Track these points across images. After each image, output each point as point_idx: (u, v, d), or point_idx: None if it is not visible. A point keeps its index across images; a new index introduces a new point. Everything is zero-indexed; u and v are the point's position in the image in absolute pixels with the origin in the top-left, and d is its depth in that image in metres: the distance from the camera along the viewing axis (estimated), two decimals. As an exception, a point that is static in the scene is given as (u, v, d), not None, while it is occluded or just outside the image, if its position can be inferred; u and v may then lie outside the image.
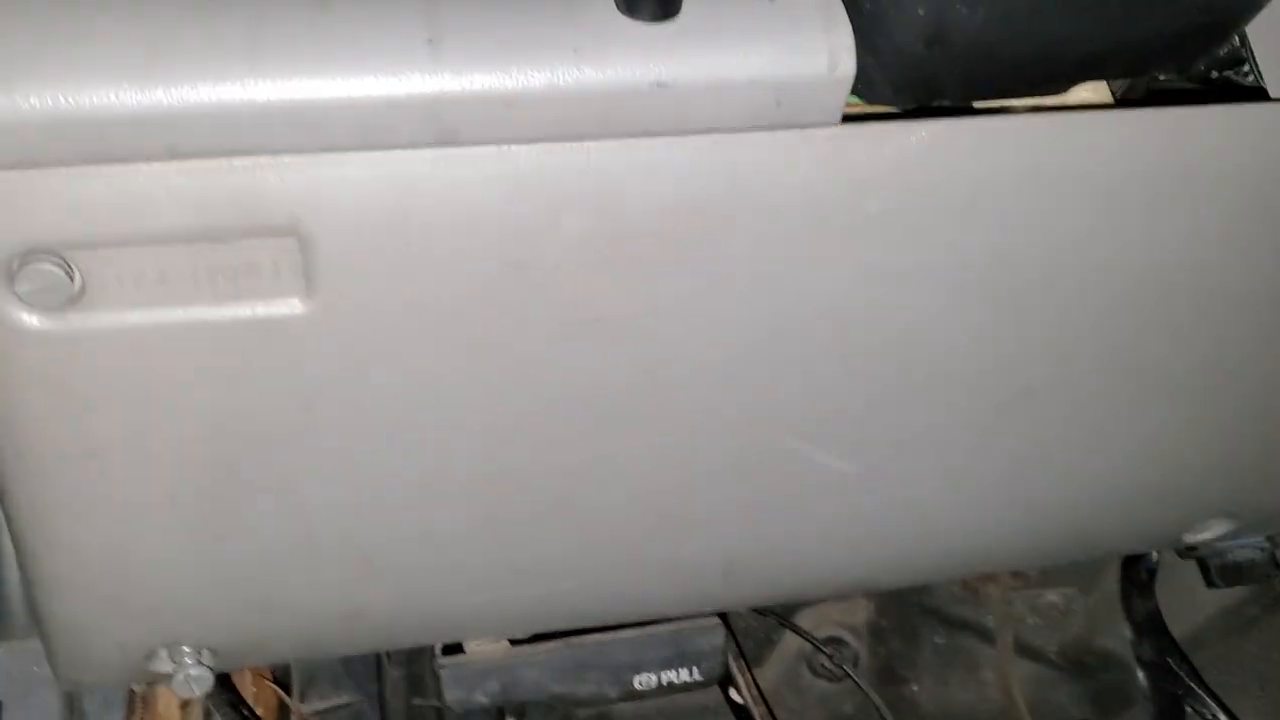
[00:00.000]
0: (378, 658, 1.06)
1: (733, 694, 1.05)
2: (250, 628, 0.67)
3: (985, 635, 1.22)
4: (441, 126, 0.52)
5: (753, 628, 1.25)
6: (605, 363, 0.61)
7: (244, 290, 0.54)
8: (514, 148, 0.53)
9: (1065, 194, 0.61)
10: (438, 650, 0.85)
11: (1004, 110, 0.60)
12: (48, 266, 0.50)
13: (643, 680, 0.90)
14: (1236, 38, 0.65)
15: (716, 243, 0.58)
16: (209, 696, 0.84)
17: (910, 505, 0.76)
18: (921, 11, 0.52)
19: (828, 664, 1.24)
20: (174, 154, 0.49)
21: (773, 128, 0.55)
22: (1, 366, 0.52)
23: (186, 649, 0.66)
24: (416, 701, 1.18)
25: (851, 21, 0.54)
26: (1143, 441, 0.75)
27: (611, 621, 0.81)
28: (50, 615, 0.62)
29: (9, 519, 0.58)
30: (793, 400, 0.66)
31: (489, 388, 0.60)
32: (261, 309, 0.54)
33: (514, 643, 0.82)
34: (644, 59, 0.52)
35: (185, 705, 0.83)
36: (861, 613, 1.28)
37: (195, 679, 0.66)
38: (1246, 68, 0.66)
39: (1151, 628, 1.06)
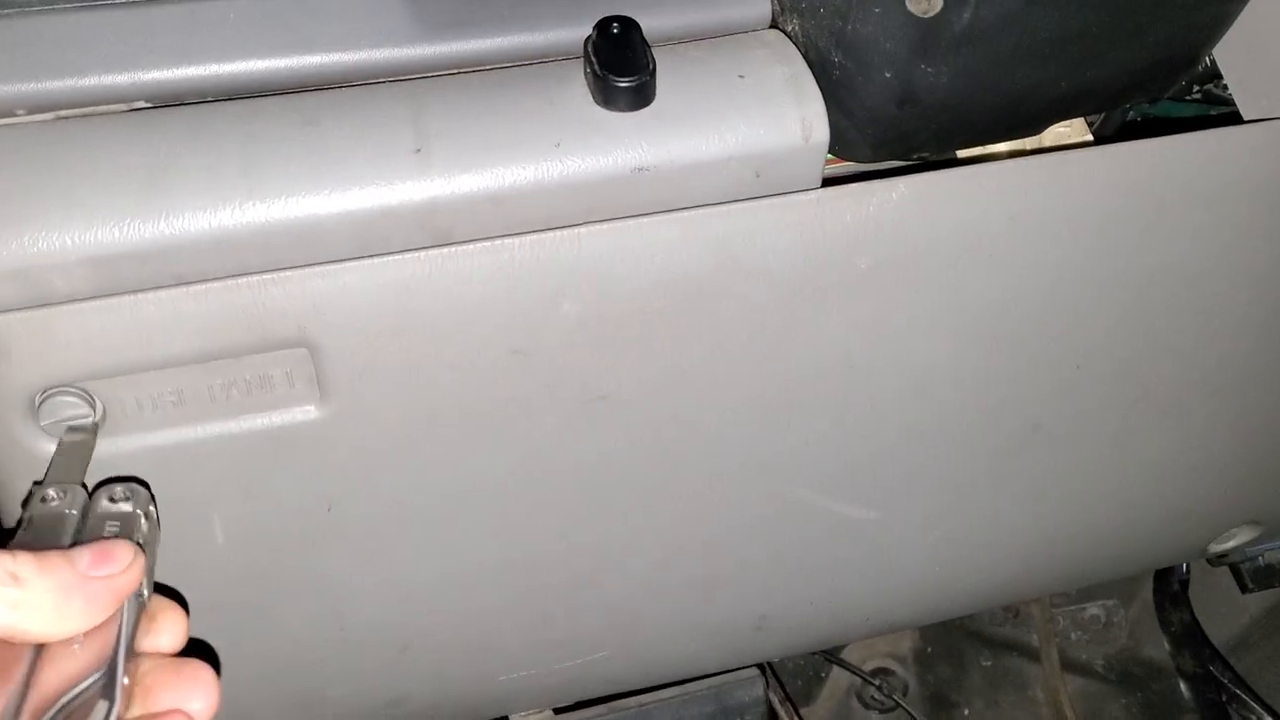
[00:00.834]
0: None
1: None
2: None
3: (1031, 654, 1.22)
4: (435, 229, 0.53)
5: (800, 666, 1.25)
6: (616, 438, 0.62)
7: (259, 402, 0.55)
8: (507, 241, 0.54)
9: (1052, 232, 0.62)
10: (485, 722, 0.86)
11: (983, 158, 0.61)
12: (69, 398, 0.52)
13: (691, 735, 0.91)
14: (1207, 59, 0.66)
15: (713, 312, 0.59)
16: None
17: (935, 544, 0.77)
18: (888, 74, 0.54)
19: (878, 695, 1.25)
20: (181, 280, 0.51)
21: (755, 197, 0.56)
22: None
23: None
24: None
25: (822, 86, 0.56)
26: (1158, 460, 0.75)
27: (650, 684, 0.82)
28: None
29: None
30: (805, 456, 0.67)
31: (505, 472, 0.61)
32: (278, 418, 0.56)
33: (558, 711, 0.83)
34: (623, 147, 0.53)
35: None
36: (907, 642, 1.28)
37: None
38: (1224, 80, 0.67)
39: (1190, 638, 1.05)
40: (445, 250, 0.54)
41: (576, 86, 0.55)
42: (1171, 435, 0.74)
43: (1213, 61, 0.66)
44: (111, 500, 0.49)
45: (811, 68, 0.56)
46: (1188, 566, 1.04)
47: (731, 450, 0.65)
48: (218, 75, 0.54)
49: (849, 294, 0.61)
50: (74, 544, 0.46)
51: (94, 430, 0.53)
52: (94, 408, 0.52)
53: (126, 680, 0.44)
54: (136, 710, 0.45)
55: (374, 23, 0.56)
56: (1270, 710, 0.94)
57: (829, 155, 0.58)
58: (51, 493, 0.48)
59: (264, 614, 0.62)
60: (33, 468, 0.53)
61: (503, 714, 0.80)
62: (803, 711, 1.19)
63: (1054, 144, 0.65)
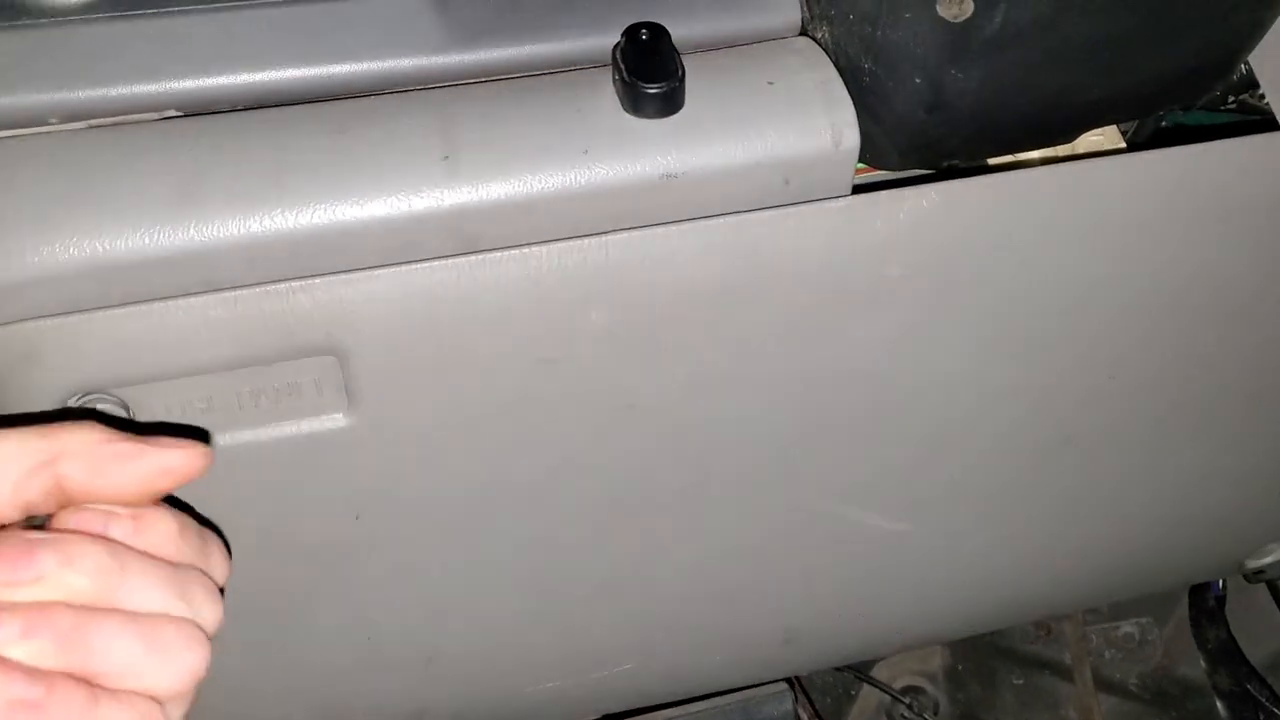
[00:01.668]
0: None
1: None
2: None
3: (1063, 672, 1.21)
4: (463, 237, 0.53)
5: (830, 684, 1.24)
6: (644, 448, 0.62)
7: (288, 410, 0.55)
8: (535, 249, 0.54)
9: (1085, 240, 0.61)
10: (513, 738, 0.86)
11: (1015, 165, 0.61)
12: (101, 405, 0.52)
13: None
14: (1243, 67, 0.65)
15: (741, 321, 0.59)
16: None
17: (965, 558, 0.76)
18: (919, 80, 0.53)
19: (908, 714, 1.23)
20: (211, 287, 0.51)
21: (785, 205, 0.56)
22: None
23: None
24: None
25: (852, 93, 0.55)
26: (1192, 473, 0.74)
27: (676, 698, 0.82)
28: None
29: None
30: (834, 467, 0.67)
31: (532, 482, 0.61)
32: (306, 426, 0.56)
33: (586, 726, 0.83)
34: (652, 154, 0.53)
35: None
36: (937, 660, 1.27)
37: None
38: (1261, 89, 0.67)
39: (1226, 656, 1.04)
40: (473, 258, 0.54)
41: (605, 94, 0.54)
42: (1206, 447, 0.73)
43: (1248, 69, 0.66)
44: None
45: (841, 74, 0.56)
46: (1224, 583, 1.02)
47: (759, 460, 0.65)
48: (248, 84, 0.54)
49: (879, 302, 0.60)
50: None
51: None
52: (126, 414, 0.53)
53: None
54: None
55: (403, 32, 0.56)
56: (1310, 729, 0.92)
57: (858, 164, 0.57)
58: None
59: (290, 624, 0.62)
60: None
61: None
62: (832, 729, 1.18)
63: (1087, 152, 0.64)
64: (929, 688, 1.26)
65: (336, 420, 0.56)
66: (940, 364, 0.63)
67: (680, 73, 0.53)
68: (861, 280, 0.59)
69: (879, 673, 1.23)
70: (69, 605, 0.39)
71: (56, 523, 0.41)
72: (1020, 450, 0.70)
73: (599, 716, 0.82)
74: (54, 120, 0.53)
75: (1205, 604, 1.03)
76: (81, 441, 0.41)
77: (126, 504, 0.42)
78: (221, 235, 0.51)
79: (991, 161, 0.64)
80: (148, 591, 0.41)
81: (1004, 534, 0.75)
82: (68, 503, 0.41)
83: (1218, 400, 0.71)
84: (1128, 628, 1.20)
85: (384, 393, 0.56)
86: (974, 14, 0.50)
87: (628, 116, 0.53)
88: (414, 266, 0.53)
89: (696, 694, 0.84)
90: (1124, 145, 0.65)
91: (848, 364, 0.62)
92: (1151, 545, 0.79)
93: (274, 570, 0.60)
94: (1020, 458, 0.71)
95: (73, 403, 0.51)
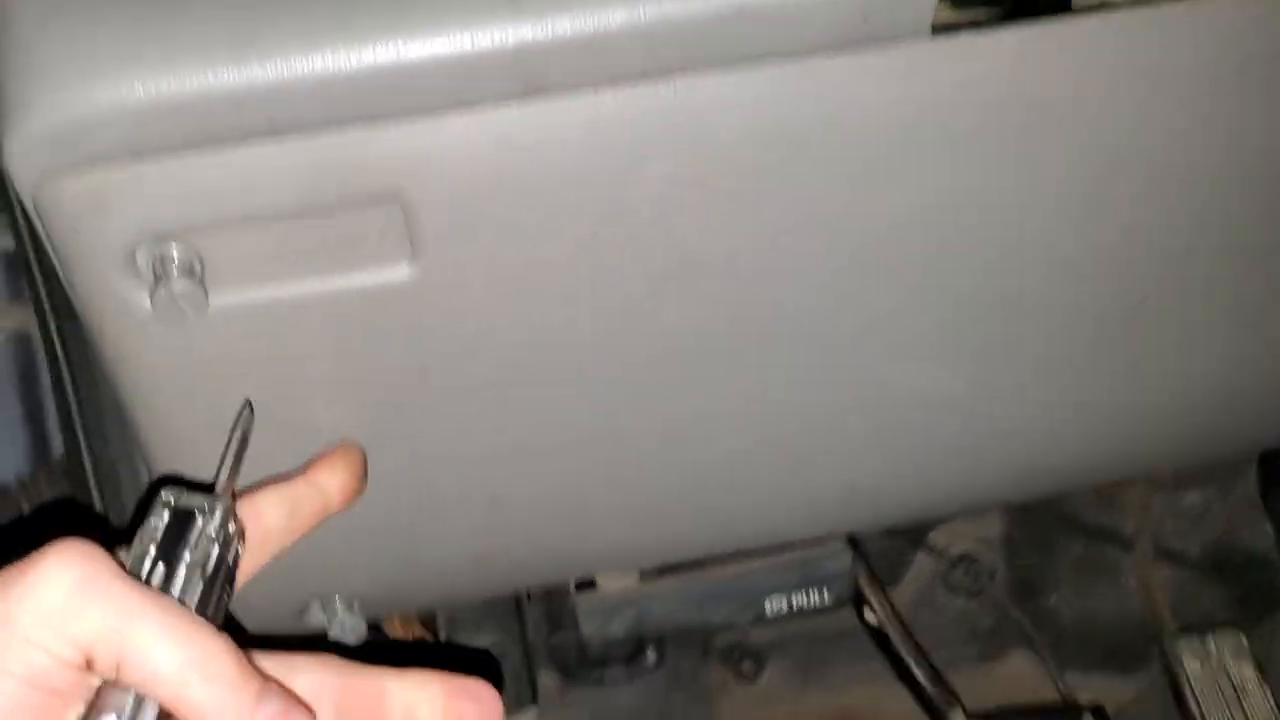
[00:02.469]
0: (517, 599, 1.09)
1: (867, 616, 1.05)
2: (393, 578, 0.70)
3: (1123, 542, 1.20)
4: (528, 76, 0.52)
5: (885, 549, 1.25)
6: (709, 302, 0.61)
7: (353, 260, 0.55)
8: (600, 94, 0.53)
9: (1176, 88, 0.58)
10: (572, 587, 0.87)
11: (1102, 6, 0.58)
12: (168, 252, 0.52)
13: (772, 605, 0.91)
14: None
15: (810, 170, 0.57)
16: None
17: (1032, 419, 0.75)
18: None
19: (964, 580, 1.24)
20: (274, 129, 0.51)
21: (860, 46, 0.54)
22: (136, 349, 0.55)
23: (338, 601, 0.69)
24: (555, 639, 1.21)
25: (935, -75, 0.53)
26: (1272, 334, 0.72)
27: (735, 549, 0.83)
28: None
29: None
30: (900, 323, 0.66)
31: (594, 335, 0.61)
32: (371, 277, 0.56)
33: (644, 576, 0.84)
34: (725, -14, 0.51)
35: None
36: (995, 527, 1.26)
37: (350, 628, 0.69)
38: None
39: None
40: (539, 103, 0.53)
41: (675, -75, 0.52)
42: (1271, 301, 0.70)
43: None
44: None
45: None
46: None
47: (823, 316, 0.64)
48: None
49: (952, 153, 0.58)
50: None
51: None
52: (191, 263, 0.52)
53: None
54: None
55: None
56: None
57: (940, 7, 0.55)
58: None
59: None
60: (132, 322, 0.53)
61: (588, 574, 0.81)
62: (888, 592, 1.19)
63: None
64: (985, 555, 1.26)
65: (401, 271, 0.56)
66: (1016, 217, 0.62)
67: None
68: (936, 129, 0.57)
69: (935, 539, 1.23)
70: None
71: None
72: (1093, 310, 0.68)
73: (658, 566, 0.84)
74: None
75: (1276, 470, 1.01)
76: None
77: None
78: (285, 74, 0.50)
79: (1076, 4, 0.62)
80: None
81: (1071, 395, 0.74)
82: None
83: None
84: (1192, 498, 1.18)
85: (447, 244, 0.56)
86: None
87: (698, -52, 0.51)
88: (480, 112, 0.52)
89: (753, 545, 0.84)
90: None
91: (919, 217, 0.61)
92: (1223, 408, 0.77)
93: (341, 418, 0.60)
94: (1092, 318, 0.69)
95: (141, 252, 0.51)
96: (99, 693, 0.42)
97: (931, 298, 0.65)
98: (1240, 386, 0.77)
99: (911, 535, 1.22)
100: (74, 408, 0.85)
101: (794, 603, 0.92)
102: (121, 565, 0.43)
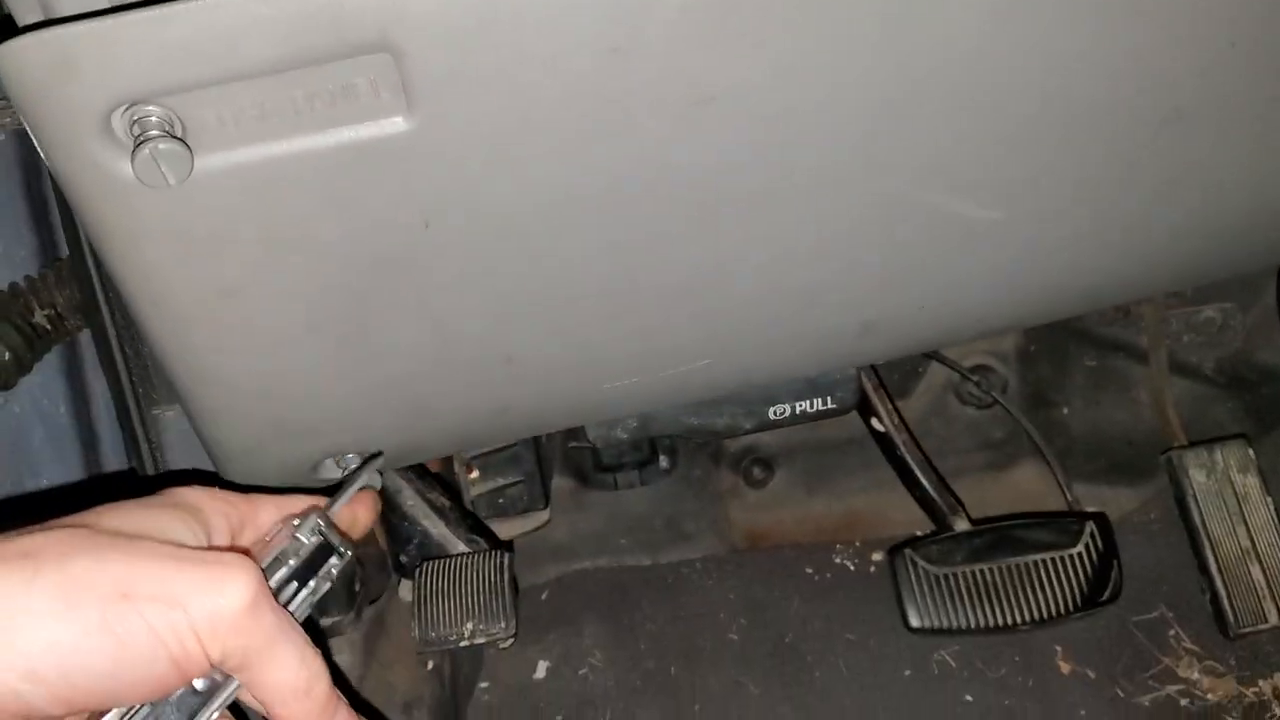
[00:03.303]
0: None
1: (874, 423, 1.06)
2: (406, 432, 0.70)
3: (1138, 355, 1.19)
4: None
5: (897, 360, 1.25)
6: (723, 141, 0.58)
7: (345, 114, 0.52)
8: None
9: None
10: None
11: None
12: (147, 115, 0.49)
13: (777, 411, 0.92)
14: None
15: None
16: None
17: (1055, 241, 0.72)
18: None
19: (976, 392, 1.24)
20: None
21: None
22: (122, 220, 0.52)
23: (351, 456, 0.68)
24: (570, 445, 1.23)
25: None
26: None
27: (751, 386, 0.82)
28: (215, 442, 0.66)
29: (159, 361, 0.60)
30: (925, 149, 0.62)
31: (606, 180, 0.58)
32: (366, 131, 0.53)
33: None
34: None
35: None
36: (1009, 339, 1.26)
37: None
38: None
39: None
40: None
41: None
42: None
43: None
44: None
45: None
46: None
47: (845, 147, 0.60)
48: None
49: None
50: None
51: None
52: (172, 125, 0.50)
53: None
54: None
55: None
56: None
57: None
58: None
59: (365, 329, 0.62)
60: (114, 190, 0.51)
61: (605, 418, 0.81)
62: (899, 404, 1.19)
63: None
64: (999, 367, 1.25)
65: (396, 123, 0.53)
66: (1041, 31, 0.57)
67: None
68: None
69: (948, 350, 1.23)
70: None
71: None
72: (1123, 124, 0.65)
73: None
74: None
75: None
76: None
77: None
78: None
79: None
80: None
81: (1097, 216, 0.71)
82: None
83: None
84: (1209, 312, 1.17)
85: (444, 91, 0.52)
86: None
87: None
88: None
89: (768, 383, 0.84)
90: None
91: (940, 35, 0.57)
92: (1248, 222, 0.74)
93: (344, 276, 0.59)
94: (1121, 133, 0.65)
95: (118, 117, 0.49)
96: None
97: (957, 120, 0.61)
98: (1268, 200, 0.74)
99: (924, 346, 1.21)
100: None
101: (799, 409, 0.92)
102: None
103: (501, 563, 0.86)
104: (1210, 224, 0.75)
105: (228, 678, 0.51)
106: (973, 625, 0.95)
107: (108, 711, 0.49)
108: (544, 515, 1.12)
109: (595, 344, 0.67)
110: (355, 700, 0.82)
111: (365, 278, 0.59)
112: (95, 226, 0.53)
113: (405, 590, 0.99)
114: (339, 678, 0.54)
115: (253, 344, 0.60)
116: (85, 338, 0.91)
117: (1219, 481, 1.06)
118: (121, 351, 0.79)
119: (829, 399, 0.93)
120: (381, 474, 0.67)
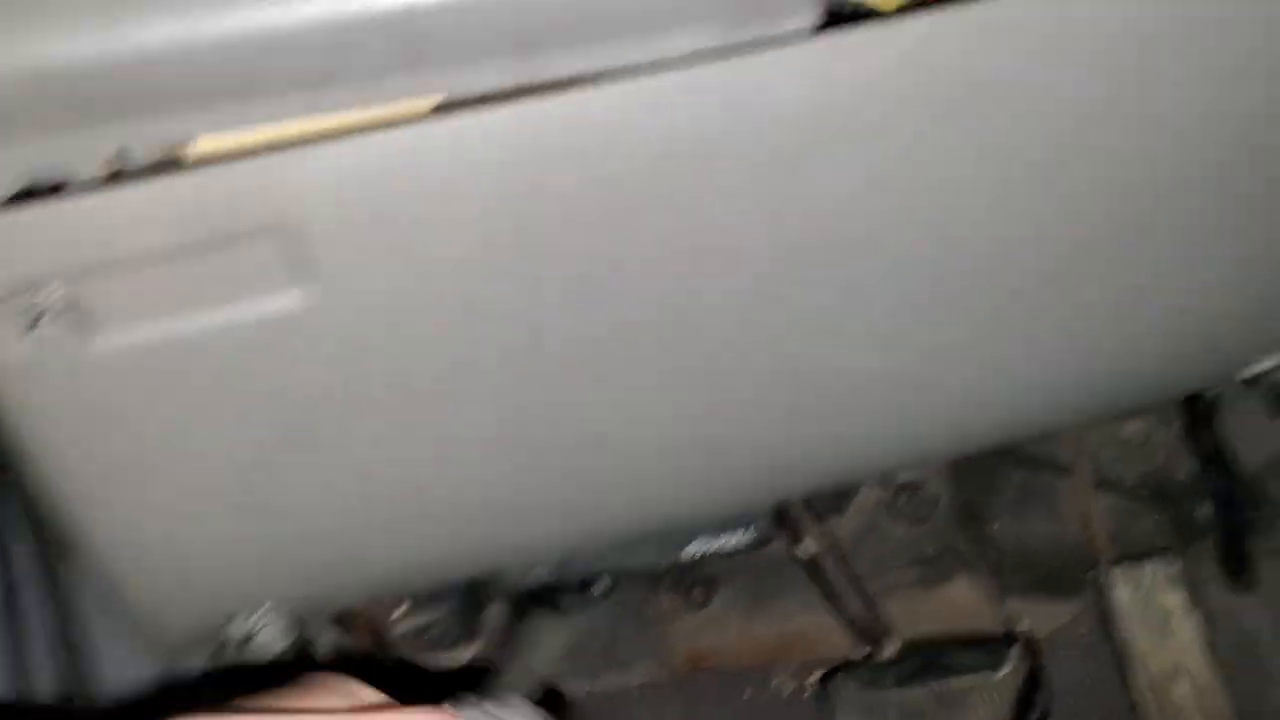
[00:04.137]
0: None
1: (798, 551, 1.07)
2: (314, 582, 0.70)
3: (1063, 471, 1.21)
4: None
5: (830, 479, 1.26)
6: (618, 311, 0.60)
7: (244, 291, 0.54)
8: (492, 112, 0.51)
9: (1068, 67, 0.57)
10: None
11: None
12: (45, 296, 0.50)
13: (692, 549, 0.92)
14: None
15: (708, 174, 0.56)
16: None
17: (960, 387, 0.75)
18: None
19: (908, 508, 1.25)
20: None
21: (748, 48, 0.52)
22: (26, 397, 0.54)
23: (264, 610, 0.69)
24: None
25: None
26: (1185, 285, 0.72)
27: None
28: (128, 601, 0.66)
29: (71, 529, 0.61)
30: (818, 311, 0.65)
31: (503, 350, 0.60)
32: (265, 306, 0.54)
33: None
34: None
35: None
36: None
37: (277, 635, 0.69)
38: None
39: (1217, 460, 1.04)
40: (426, 125, 0.51)
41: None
42: (1198, 258, 0.70)
43: None
44: None
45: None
46: (1216, 390, 0.99)
47: (742, 315, 0.63)
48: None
49: (853, 146, 0.57)
50: None
51: None
52: (72, 308, 0.51)
53: None
54: None
55: None
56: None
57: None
58: None
59: (269, 488, 0.63)
60: (12, 370, 0.52)
61: (525, 559, 0.81)
62: (831, 522, 1.20)
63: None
64: (930, 483, 1.27)
65: (294, 298, 0.55)
66: (927, 198, 0.60)
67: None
68: (835, 122, 0.56)
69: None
70: None
71: None
72: (1010, 279, 0.68)
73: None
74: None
75: (1198, 408, 1.01)
76: None
77: None
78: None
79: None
80: None
81: (999, 362, 0.74)
82: None
83: (1207, 210, 0.67)
84: (1130, 428, 1.19)
85: (341, 271, 0.54)
86: None
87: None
88: (368, 135, 0.51)
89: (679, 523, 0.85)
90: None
91: (823, 210, 0.59)
92: (1147, 357, 0.77)
93: (249, 441, 0.60)
94: (1008, 286, 0.68)
95: (13, 300, 0.50)
96: None
97: (847, 285, 0.64)
98: (1164, 336, 0.76)
99: (856, 465, 1.23)
100: None
101: (715, 546, 0.93)
102: None
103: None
104: (1111, 360, 0.77)
105: None
106: (906, 747, 0.96)
107: None
108: (476, 647, 1.12)
109: (500, 496, 0.68)
110: None
111: (268, 439, 0.60)
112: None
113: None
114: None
115: (162, 504, 0.61)
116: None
117: (1145, 597, 1.08)
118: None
119: (745, 533, 0.94)
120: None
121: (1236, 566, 1.08)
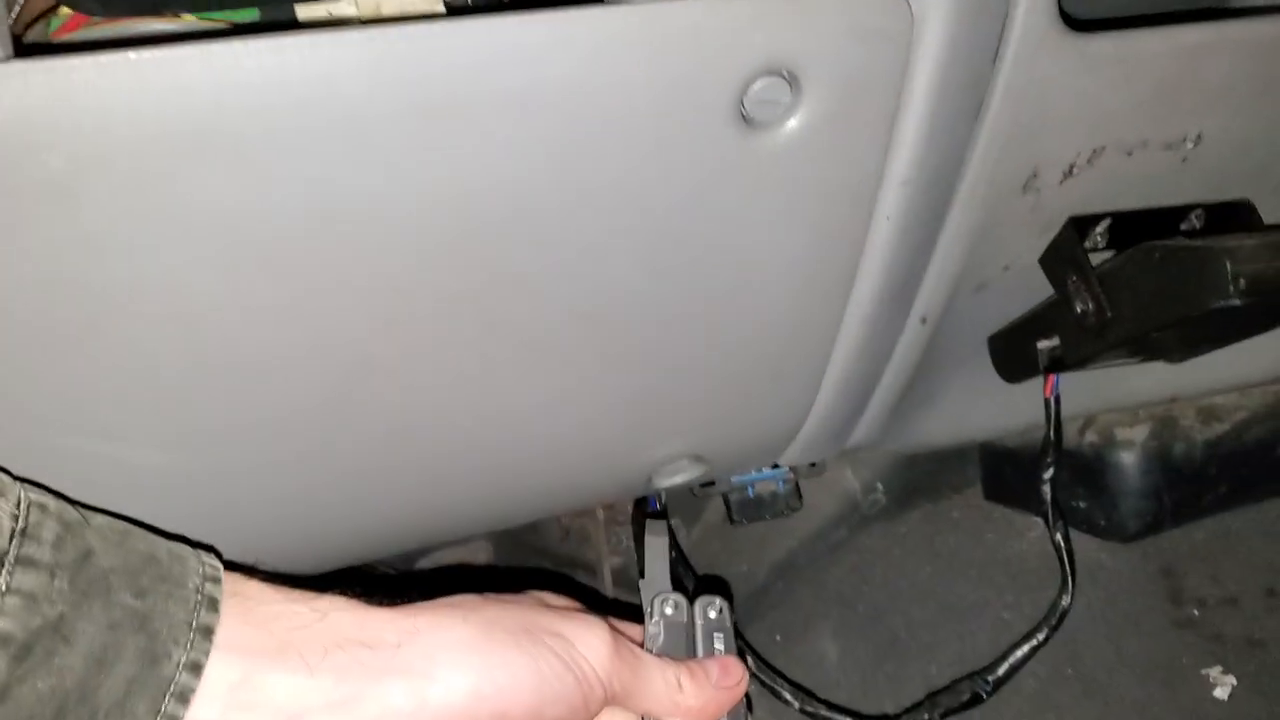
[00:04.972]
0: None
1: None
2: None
3: (590, 570, 1.16)
4: None
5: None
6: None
7: None
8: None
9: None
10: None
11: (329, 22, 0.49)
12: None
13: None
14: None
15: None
16: None
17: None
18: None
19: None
20: None
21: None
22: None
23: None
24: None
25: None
26: (589, 397, 0.65)
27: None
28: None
29: None
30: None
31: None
32: None
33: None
34: None
35: None
36: (482, 556, 1.21)
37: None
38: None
39: (677, 562, 1.00)
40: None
41: None
42: (586, 370, 0.64)
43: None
44: (708, 613, 0.65)
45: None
46: (663, 496, 0.95)
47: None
48: None
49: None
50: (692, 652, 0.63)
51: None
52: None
53: None
54: None
55: None
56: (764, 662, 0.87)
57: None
58: (672, 604, 0.64)
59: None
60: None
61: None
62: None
63: (399, 13, 0.54)
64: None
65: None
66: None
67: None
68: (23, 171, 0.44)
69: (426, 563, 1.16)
70: None
71: None
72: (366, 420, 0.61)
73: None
74: None
75: (644, 516, 0.97)
76: None
77: None
78: None
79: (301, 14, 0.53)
80: None
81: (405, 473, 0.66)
82: None
83: (613, 319, 0.61)
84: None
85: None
86: None
87: None
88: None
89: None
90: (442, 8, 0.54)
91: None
92: (553, 469, 0.70)
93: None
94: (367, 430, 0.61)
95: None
96: None
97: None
98: (577, 448, 0.70)
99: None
100: None
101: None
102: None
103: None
104: (518, 468, 0.70)
105: None
106: None
107: None
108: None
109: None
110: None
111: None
112: None
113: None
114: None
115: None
116: None
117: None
118: None
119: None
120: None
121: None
